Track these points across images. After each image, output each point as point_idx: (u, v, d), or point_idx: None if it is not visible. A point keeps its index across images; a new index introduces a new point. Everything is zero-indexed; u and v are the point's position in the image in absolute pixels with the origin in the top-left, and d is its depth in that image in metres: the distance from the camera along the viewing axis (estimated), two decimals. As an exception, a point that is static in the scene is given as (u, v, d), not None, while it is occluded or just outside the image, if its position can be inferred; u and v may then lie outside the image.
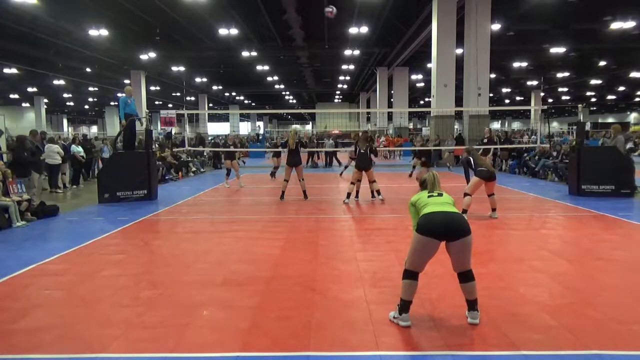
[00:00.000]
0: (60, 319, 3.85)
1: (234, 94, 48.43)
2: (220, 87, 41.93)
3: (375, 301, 4.12)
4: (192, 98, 46.11)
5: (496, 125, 64.29)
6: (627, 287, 4.47)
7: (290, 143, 10.30)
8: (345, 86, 41.56)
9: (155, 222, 8.22)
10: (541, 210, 8.82)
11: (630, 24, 18.05)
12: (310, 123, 65.14)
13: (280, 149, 14.89)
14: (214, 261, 5.56)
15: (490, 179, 7.85)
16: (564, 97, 48.95)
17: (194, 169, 17.55)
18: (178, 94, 43.01)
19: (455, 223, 3.55)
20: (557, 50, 23.49)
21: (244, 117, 62.71)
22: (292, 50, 25.37)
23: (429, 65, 21.82)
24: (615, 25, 18.29)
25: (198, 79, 35.62)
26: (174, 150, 17.04)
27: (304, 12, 18.71)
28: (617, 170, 10.08)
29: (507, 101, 51.79)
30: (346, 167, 15.94)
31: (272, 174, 15.03)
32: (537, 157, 14.85)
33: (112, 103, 44.89)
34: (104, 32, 18.81)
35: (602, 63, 28.99)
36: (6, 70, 26.64)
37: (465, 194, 7.79)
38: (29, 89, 36.69)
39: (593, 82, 37.64)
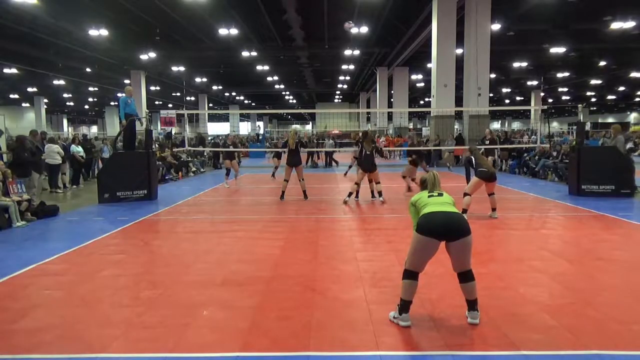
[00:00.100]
0: (60, 319, 3.85)
1: (234, 94, 48.42)
2: (220, 87, 41.91)
3: (375, 301, 4.12)
4: (192, 98, 46.10)
5: (496, 125, 64.29)
6: (627, 287, 4.47)
7: (290, 143, 10.31)
8: (345, 86, 41.53)
9: (155, 222, 8.22)
10: (541, 210, 8.82)
11: (630, 24, 18.03)
12: (310, 123, 65.13)
13: (280, 150, 14.89)
14: (214, 261, 5.56)
15: (491, 180, 7.85)
16: (564, 97, 48.94)
17: (194, 169, 17.55)
18: (178, 94, 43.00)
19: (455, 223, 3.55)
20: (557, 50, 23.47)
21: (244, 117, 62.70)
22: (292, 50, 25.36)
23: (429, 65, 21.81)
24: (615, 25, 18.28)
25: (198, 79, 35.60)
26: (174, 150, 17.04)
27: (304, 12, 18.70)
28: (617, 170, 10.07)
29: (507, 101, 51.78)
30: (350, 166, 15.95)
31: (273, 174, 15.06)
32: (537, 157, 14.85)
33: (112, 103, 44.89)
34: (104, 32, 18.80)
35: (602, 63, 28.98)
36: (6, 70, 26.64)
37: (465, 194, 7.80)
38: (29, 89, 36.69)
39: (593, 82, 37.62)
